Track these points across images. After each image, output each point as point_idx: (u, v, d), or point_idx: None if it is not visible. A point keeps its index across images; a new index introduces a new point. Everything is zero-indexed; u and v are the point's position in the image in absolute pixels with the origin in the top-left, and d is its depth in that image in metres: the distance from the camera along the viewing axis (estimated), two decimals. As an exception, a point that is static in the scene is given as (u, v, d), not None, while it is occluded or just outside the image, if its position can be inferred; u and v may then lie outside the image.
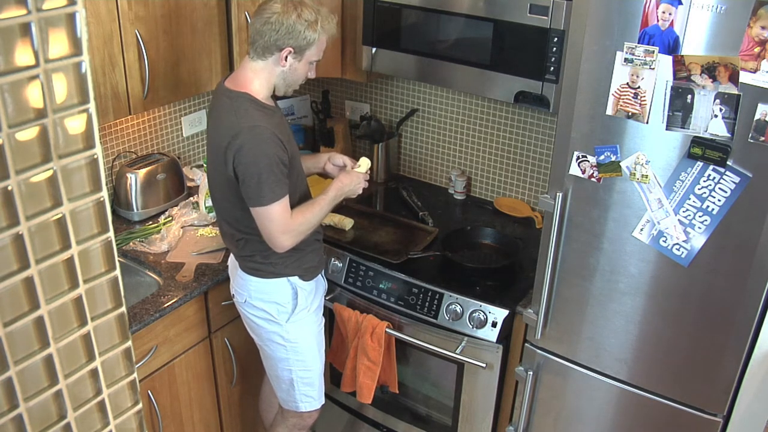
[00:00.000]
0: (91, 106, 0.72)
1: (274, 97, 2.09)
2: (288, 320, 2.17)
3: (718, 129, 1.65)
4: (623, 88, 1.74)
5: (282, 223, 1.98)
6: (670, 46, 1.65)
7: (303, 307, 2.19)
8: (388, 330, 2.35)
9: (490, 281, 2.36)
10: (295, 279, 2.15)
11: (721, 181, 1.69)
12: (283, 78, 2.02)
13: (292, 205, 2.02)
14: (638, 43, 1.69)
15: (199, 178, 2.85)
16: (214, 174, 2.08)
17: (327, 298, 2.49)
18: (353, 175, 2.19)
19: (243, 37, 2.51)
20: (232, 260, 2.24)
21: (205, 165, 2.64)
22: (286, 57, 1.96)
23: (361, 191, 2.22)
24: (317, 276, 2.25)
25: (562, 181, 1.93)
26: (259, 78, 2.00)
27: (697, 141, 1.69)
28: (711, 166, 1.70)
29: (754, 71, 1.56)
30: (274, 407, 2.50)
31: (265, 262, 2.11)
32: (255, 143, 1.90)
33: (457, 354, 2.28)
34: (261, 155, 1.90)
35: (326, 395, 2.81)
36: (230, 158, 1.92)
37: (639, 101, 1.73)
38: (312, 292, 2.22)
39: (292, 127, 3.16)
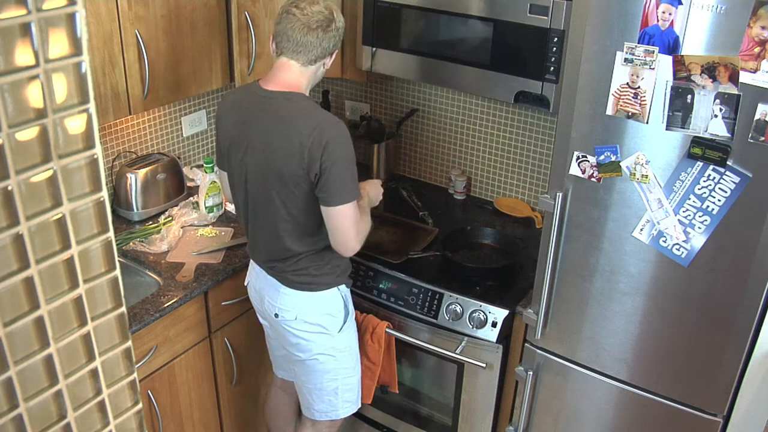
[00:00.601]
0: (91, 106, 0.72)
1: None
2: (340, 330, 2.14)
3: (718, 129, 1.65)
4: (623, 88, 1.74)
5: (356, 222, 1.93)
6: (670, 46, 1.65)
7: (351, 312, 2.19)
8: (388, 330, 2.35)
9: (490, 281, 2.36)
10: (343, 287, 2.13)
11: (721, 181, 1.69)
12: (317, 78, 2.02)
13: None
14: (638, 43, 1.69)
15: (199, 178, 2.85)
16: (278, 183, 1.92)
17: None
18: (373, 183, 2.21)
19: (243, 37, 2.51)
20: (261, 277, 2.14)
21: (205, 165, 2.65)
22: (328, 59, 1.98)
23: (381, 198, 2.23)
24: None
25: (562, 181, 1.93)
26: (307, 79, 1.98)
27: (697, 141, 1.69)
28: (711, 166, 1.70)
29: (754, 71, 1.56)
30: (284, 416, 2.47)
31: (319, 273, 2.05)
32: (344, 137, 1.87)
33: (457, 354, 2.28)
34: (350, 150, 1.88)
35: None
36: (316, 154, 1.82)
37: (639, 101, 1.73)
38: (350, 297, 2.22)
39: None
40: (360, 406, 2.35)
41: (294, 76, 1.95)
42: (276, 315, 2.12)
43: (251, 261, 2.20)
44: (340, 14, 1.95)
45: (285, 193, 1.93)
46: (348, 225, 1.91)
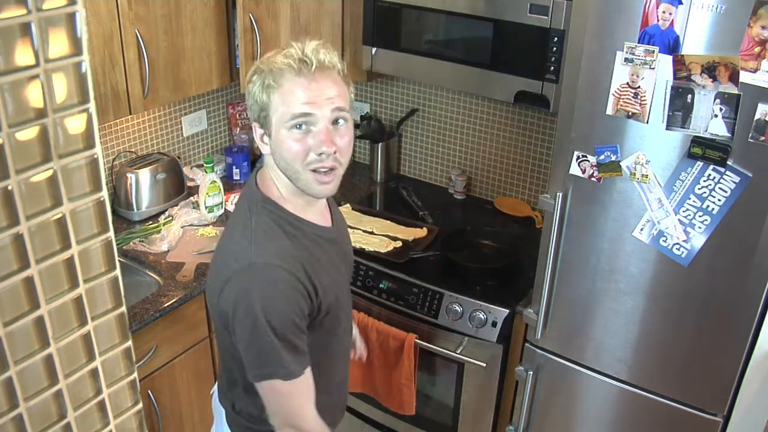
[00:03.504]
0: (91, 105, 0.72)
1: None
2: None
3: (718, 129, 1.65)
4: (623, 87, 1.74)
5: (280, 404, 1.42)
6: (670, 45, 1.65)
7: None
8: (417, 341, 2.31)
9: (490, 281, 2.36)
10: None
11: (721, 180, 1.69)
12: (277, 162, 1.38)
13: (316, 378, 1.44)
14: (638, 42, 1.68)
15: (199, 177, 2.85)
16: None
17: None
18: None
19: (248, 39, 2.50)
20: (215, 394, 1.73)
21: (205, 165, 2.65)
22: (261, 137, 1.39)
23: None
24: None
25: (562, 181, 1.93)
26: (274, 174, 1.42)
27: (697, 141, 1.69)
28: (711, 166, 1.69)
29: (754, 71, 1.56)
30: None
31: (258, 426, 1.54)
32: (255, 293, 1.32)
33: (457, 354, 2.28)
34: (264, 310, 1.31)
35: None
36: (223, 309, 1.38)
37: (639, 101, 1.73)
38: None
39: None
40: None
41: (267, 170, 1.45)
42: None
43: None
44: (254, 73, 1.36)
45: (217, 331, 1.53)
46: (272, 407, 1.44)
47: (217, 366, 2.46)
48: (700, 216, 1.75)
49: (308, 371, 1.40)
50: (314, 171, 1.33)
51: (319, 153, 1.32)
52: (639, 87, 1.72)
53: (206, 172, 2.63)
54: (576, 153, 1.88)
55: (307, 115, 1.30)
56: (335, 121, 1.33)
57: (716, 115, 1.64)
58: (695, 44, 1.62)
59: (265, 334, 1.32)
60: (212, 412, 1.82)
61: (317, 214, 1.46)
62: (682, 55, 1.64)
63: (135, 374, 0.89)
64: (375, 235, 2.55)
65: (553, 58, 2.10)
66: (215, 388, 1.74)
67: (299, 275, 1.34)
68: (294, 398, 1.41)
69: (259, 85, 1.33)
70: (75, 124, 0.71)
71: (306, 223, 1.42)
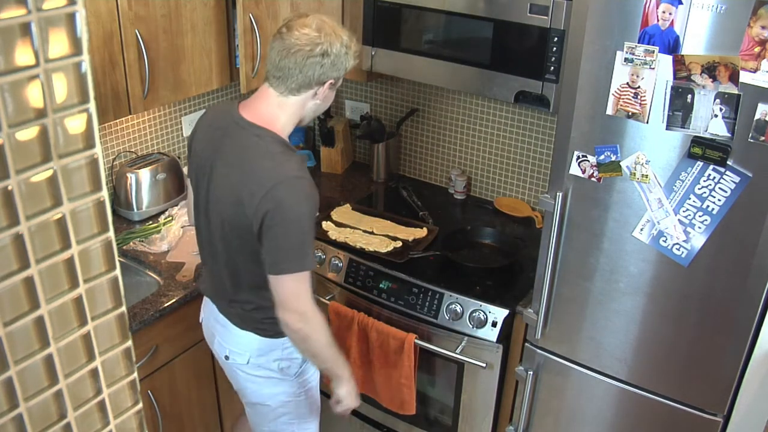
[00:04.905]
0: (91, 105, 0.72)
1: None
2: (296, 374, 2.00)
3: (718, 129, 1.65)
4: (623, 87, 1.74)
5: (298, 297, 1.74)
6: (670, 45, 1.65)
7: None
8: (417, 341, 2.31)
9: (490, 281, 2.36)
10: None
11: (721, 180, 1.69)
12: (315, 110, 1.81)
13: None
14: (638, 42, 1.69)
15: (199, 178, 2.85)
16: (227, 223, 1.78)
17: (327, 298, 2.50)
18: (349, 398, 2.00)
19: (248, 39, 2.50)
20: (213, 314, 1.99)
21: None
22: (316, 92, 1.75)
23: (348, 406, 2.02)
24: None
25: (562, 181, 1.93)
26: (287, 114, 1.76)
27: (697, 141, 1.69)
28: (711, 166, 1.69)
29: (754, 71, 1.56)
30: None
31: (273, 323, 1.83)
32: (299, 198, 1.67)
33: (457, 354, 2.28)
34: (305, 214, 1.68)
35: (326, 395, 2.81)
36: (262, 211, 1.65)
37: (639, 101, 1.73)
38: None
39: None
40: None
41: (270, 108, 1.75)
42: (226, 357, 1.98)
43: (204, 297, 2.07)
44: (338, 42, 1.70)
45: (229, 238, 1.79)
46: (288, 298, 1.74)
47: (216, 361, 2.46)
48: (700, 216, 1.75)
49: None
50: None
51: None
52: (639, 87, 1.72)
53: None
54: (576, 153, 1.88)
55: None
56: None
57: (716, 115, 1.64)
58: (695, 44, 1.62)
59: (305, 231, 1.69)
60: (206, 340, 2.12)
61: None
62: (682, 55, 1.64)
63: (135, 374, 0.89)
64: (375, 235, 2.55)
65: (553, 58, 2.10)
66: (204, 310, 2.06)
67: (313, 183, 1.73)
68: (307, 287, 1.75)
69: (353, 52, 1.76)
70: (75, 124, 0.71)
71: (291, 147, 1.80)
